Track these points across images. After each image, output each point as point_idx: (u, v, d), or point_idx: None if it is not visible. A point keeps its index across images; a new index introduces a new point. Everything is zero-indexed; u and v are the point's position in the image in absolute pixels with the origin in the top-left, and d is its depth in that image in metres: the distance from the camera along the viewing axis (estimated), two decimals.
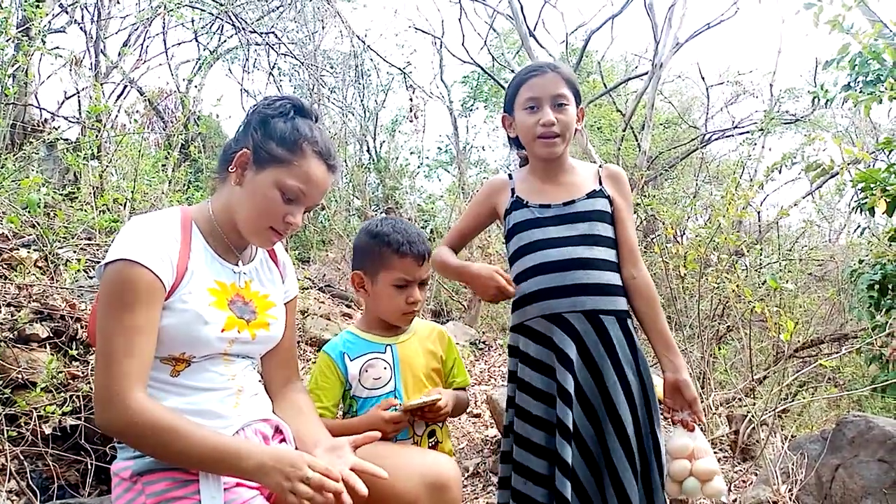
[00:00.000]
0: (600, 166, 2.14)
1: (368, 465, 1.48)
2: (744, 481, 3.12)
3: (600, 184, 2.07)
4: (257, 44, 8.27)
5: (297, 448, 1.63)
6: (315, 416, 1.74)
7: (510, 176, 2.17)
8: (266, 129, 1.57)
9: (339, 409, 2.01)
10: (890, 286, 4.70)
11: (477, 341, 6.79)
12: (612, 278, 1.99)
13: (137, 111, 6.72)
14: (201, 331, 1.50)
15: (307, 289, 6.18)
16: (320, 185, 1.60)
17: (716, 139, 13.15)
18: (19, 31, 4.39)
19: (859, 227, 6.57)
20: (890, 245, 5.19)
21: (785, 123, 12.58)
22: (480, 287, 1.97)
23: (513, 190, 2.11)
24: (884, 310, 4.56)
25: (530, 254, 2.01)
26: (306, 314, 5.29)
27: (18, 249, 3.14)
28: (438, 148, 16.94)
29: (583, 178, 2.09)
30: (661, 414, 2.03)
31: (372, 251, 1.96)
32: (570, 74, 2.05)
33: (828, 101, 5.47)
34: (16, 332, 2.64)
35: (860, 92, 4.87)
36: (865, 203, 4.53)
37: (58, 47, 5.62)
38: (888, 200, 4.24)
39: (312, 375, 1.98)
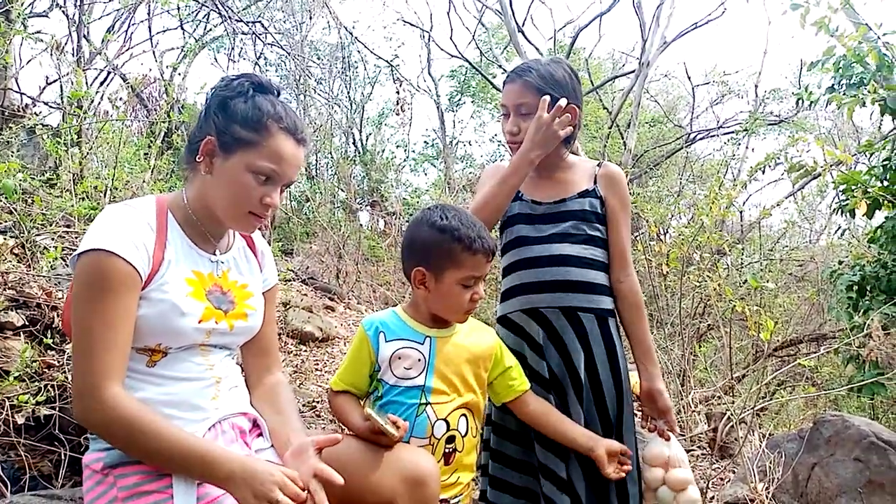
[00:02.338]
0: (599, 164, 2.12)
1: (328, 470, 1.45)
2: (721, 479, 3.15)
3: (594, 183, 2.06)
4: (244, 33, 8.19)
5: (272, 445, 1.62)
6: (292, 410, 1.70)
7: None
8: (227, 112, 1.52)
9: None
10: (868, 287, 4.75)
11: None
12: (597, 277, 2.00)
13: (120, 98, 6.62)
14: (178, 322, 1.48)
15: (290, 281, 6.15)
16: (292, 162, 1.55)
17: (700, 139, 13.25)
18: None
19: (840, 228, 6.64)
20: (869, 247, 5.25)
21: (769, 124, 12.67)
22: (544, 140, 1.90)
23: None
24: (862, 311, 4.61)
25: (517, 248, 2.03)
26: (288, 306, 5.25)
27: None
28: (425, 142, 16.88)
29: (578, 177, 2.08)
30: (638, 418, 2.04)
31: (439, 247, 1.77)
32: (542, 79, 1.97)
33: (811, 102, 5.51)
34: None
35: (843, 94, 4.90)
36: (846, 205, 4.58)
37: (39, 31, 5.55)
38: (869, 202, 4.28)
39: (349, 354, 1.87)
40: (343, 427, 1.84)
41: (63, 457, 2.39)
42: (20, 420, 2.36)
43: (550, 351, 1.95)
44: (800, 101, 6.01)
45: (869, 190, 4.37)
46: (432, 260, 1.78)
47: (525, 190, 2.07)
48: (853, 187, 4.50)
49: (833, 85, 5.22)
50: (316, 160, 12.79)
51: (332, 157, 12.73)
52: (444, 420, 1.79)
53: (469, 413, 1.85)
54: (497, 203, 1.97)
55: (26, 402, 2.35)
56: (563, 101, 1.92)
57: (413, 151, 16.35)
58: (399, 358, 1.80)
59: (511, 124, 2.00)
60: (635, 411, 2.03)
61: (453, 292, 1.78)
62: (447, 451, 1.80)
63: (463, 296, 1.79)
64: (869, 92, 4.49)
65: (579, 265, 1.97)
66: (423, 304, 1.86)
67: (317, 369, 4.79)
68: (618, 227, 2.05)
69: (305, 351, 5.15)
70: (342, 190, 11.75)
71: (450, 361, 1.83)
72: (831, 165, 4.52)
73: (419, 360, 1.80)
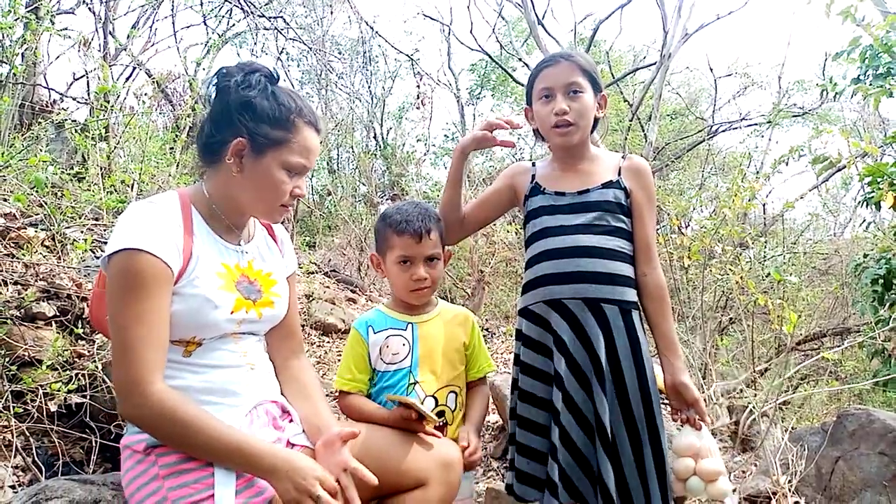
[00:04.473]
0: (623, 157, 2.13)
1: (360, 467, 1.52)
2: (744, 472, 3.13)
3: (619, 175, 2.06)
4: (266, 28, 8.26)
5: (304, 430, 1.67)
6: (319, 395, 1.76)
7: (533, 164, 2.19)
8: (254, 112, 1.56)
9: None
10: (894, 281, 4.68)
11: (480, 329, 6.80)
12: (622, 269, 1.98)
13: (145, 93, 6.70)
14: (211, 315, 1.52)
15: (313, 273, 6.20)
16: (316, 151, 1.65)
17: (723, 131, 13.10)
18: (28, 11, 4.39)
19: (865, 221, 6.53)
20: (895, 240, 5.17)
21: (793, 116, 12.50)
22: (473, 142, 2.14)
23: (533, 176, 2.13)
24: (887, 304, 4.55)
25: (540, 240, 2.03)
26: (311, 298, 5.31)
27: (26, 228, 3.15)
28: (445, 135, 16.85)
29: (603, 168, 2.08)
30: (668, 411, 2.03)
31: (379, 233, 2.07)
32: (587, 63, 2.04)
33: (837, 94, 5.43)
34: (23, 311, 2.66)
35: (870, 85, 4.82)
36: (872, 197, 4.51)
37: (67, 28, 5.63)
38: (895, 195, 4.22)
39: (344, 353, 2.07)
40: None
41: (94, 444, 2.45)
42: (53, 408, 2.43)
43: (575, 343, 1.94)
44: (824, 93, 5.93)
45: (895, 182, 4.31)
46: (378, 244, 2.10)
47: (548, 183, 2.08)
48: (879, 179, 4.42)
49: (859, 75, 5.13)
50: (337, 154, 12.86)
51: (353, 152, 12.77)
52: (433, 396, 2.00)
53: (457, 388, 2.06)
54: (444, 198, 2.18)
55: (58, 391, 2.42)
56: (516, 119, 2.08)
57: (433, 145, 16.34)
58: (387, 346, 2.02)
59: (560, 103, 1.99)
60: (663, 404, 2.02)
61: (394, 272, 2.05)
62: (439, 424, 1.96)
63: (403, 275, 2.03)
64: None
65: (603, 256, 1.95)
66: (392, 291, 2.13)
67: (339, 360, 4.82)
68: (643, 220, 2.05)
69: (328, 342, 5.20)
70: (363, 184, 11.79)
71: (432, 342, 2.05)
72: (856, 157, 4.46)
73: (403, 344, 2.02)
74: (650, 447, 1.90)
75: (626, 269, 2.00)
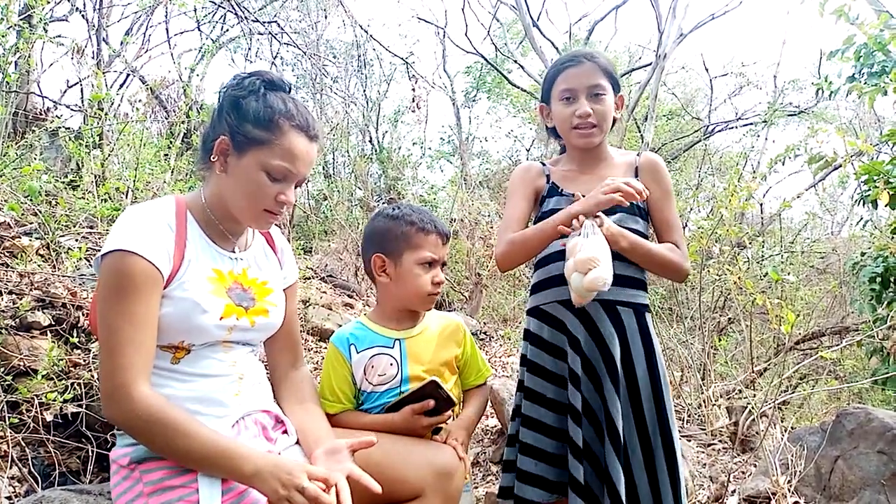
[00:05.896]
0: (638, 154, 2.12)
1: (364, 475, 1.48)
2: (743, 472, 3.12)
3: (636, 175, 2.05)
4: (260, 33, 8.23)
5: (298, 441, 1.65)
6: (317, 407, 1.75)
7: (542, 163, 2.17)
8: (239, 111, 1.54)
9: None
10: (892, 279, 4.68)
11: (478, 332, 6.78)
12: (635, 272, 1.99)
13: (139, 100, 6.69)
14: (199, 319, 1.51)
15: (309, 279, 6.19)
16: (305, 159, 1.57)
17: (719, 131, 13.12)
18: (21, 19, 4.38)
19: (862, 219, 6.53)
20: (892, 238, 5.17)
21: (788, 115, 12.51)
22: (603, 202, 1.82)
23: (548, 176, 2.11)
24: (885, 302, 4.54)
25: (557, 239, 1.99)
26: (308, 304, 5.29)
27: (20, 237, 3.14)
28: (441, 139, 16.83)
29: (619, 171, 2.07)
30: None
31: (394, 232, 1.89)
32: (608, 63, 2.03)
33: (832, 92, 5.43)
34: (17, 320, 2.64)
35: (865, 83, 4.83)
36: (868, 195, 4.51)
37: (60, 35, 5.61)
38: (891, 193, 4.22)
39: (325, 372, 1.92)
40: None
41: (90, 453, 2.43)
42: (48, 417, 2.41)
43: (589, 343, 1.94)
44: (820, 91, 5.93)
45: (891, 180, 4.30)
46: (390, 245, 1.89)
47: (565, 184, 2.07)
48: (875, 177, 4.42)
49: (854, 74, 5.13)
50: (333, 158, 12.84)
51: (348, 156, 12.76)
52: None
53: None
54: (533, 246, 1.98)
55: (54, 400, 2.40)
56: (640, 186, 1.85)
57: (429, 148, 16.32)
58: (373, 367, 1.87)
59: (584, 106, 1.98)
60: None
61: (414, 273, 1.87)
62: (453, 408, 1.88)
63: (423, 277, 1.87)
64: (891, 80, 4.43)
65: (620, 259, 1.93)
66: (386, 298, 1.94)
67: None
68: (660, 207, 2.05)
69: (325, 348, 5.18)
70: (359, 188, 11.78)
71: (421, 359, 1.90)
72: (852, 156, 4.46)
73: (391, 364, 1.87)
74: (663, 454, 1.90)
75: (639, 273, 2.01)
